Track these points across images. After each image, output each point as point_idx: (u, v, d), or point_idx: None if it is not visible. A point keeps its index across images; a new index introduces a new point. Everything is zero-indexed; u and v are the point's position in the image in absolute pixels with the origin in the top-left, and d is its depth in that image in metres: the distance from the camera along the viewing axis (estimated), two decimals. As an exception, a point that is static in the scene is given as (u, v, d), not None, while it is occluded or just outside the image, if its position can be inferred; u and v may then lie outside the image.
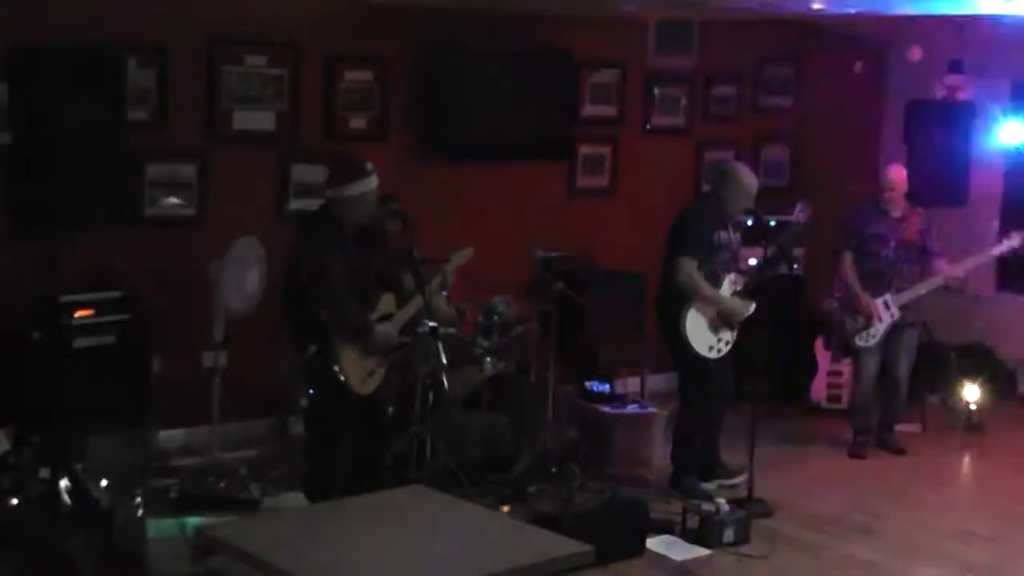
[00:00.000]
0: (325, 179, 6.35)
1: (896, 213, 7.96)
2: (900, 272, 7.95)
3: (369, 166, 6.09)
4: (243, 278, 7.20)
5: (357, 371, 6.06)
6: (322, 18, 7.87)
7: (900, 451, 8.14)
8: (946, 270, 7.94)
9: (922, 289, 8.01)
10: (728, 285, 7.08)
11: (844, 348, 8.54)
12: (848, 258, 7.99)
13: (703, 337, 7.04)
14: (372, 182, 6.09)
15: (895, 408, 8.20)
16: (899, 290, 7.93)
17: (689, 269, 6.94)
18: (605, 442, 7.62)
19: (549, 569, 4.54)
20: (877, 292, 7.92)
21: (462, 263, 6.80)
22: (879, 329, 7.95)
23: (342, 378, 5.99)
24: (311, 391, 6.12)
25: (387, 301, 6.27)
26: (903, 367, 8.09)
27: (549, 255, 7.50)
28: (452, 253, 6.79)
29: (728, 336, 7.13)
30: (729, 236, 7.11)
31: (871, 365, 8.08)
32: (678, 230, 7.09)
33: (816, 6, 7.86)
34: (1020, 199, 9.72)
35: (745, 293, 7.09)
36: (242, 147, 7.70)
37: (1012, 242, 7.97)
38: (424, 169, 8.20)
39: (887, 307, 7.91)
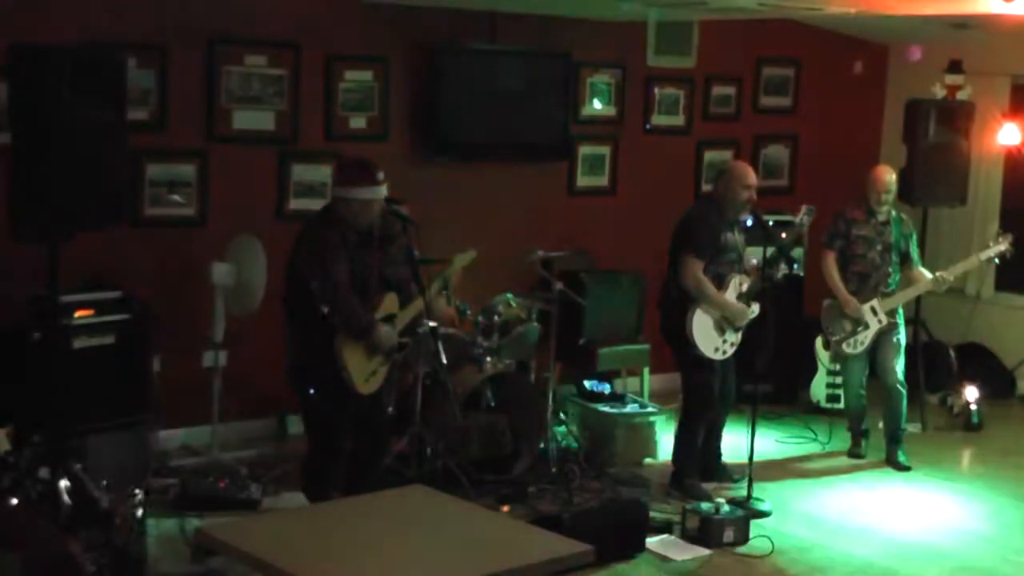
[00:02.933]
0: (334, 177, 6.35)
1: (882, 216, 7.86)
2: (885, 276, 7.83)
3: (380, 175, 6.09)
4: (247, 279, 7.19)
5: (360, 371, 6.07)
6: (322, 18, 7.87)
7: (905, 469, 7.87)
8: (935, 274, 7.86)
9: (909, 295, 7.97)
10: (734, 287, 7.08)
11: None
12: (831, 259, 7.87)
13: (709, 338, 7.04)
14: (380, 191, 6.09)
15: (898, 419, 7.94)
16: (884, 295, 7.84)
17: (694, 270, 6.95)
18: (605, 442, 7.63)
19: (549, 569, 4.55)
20: (864, 297, 7.80)
21: (467, 264, 6.79)
22: (867, 336, 7.85)
23: (345, 377, 5.99)
24: (312, 390, 6.13)
25: (390, 302, 6.27)
26: (898, 371, 7.88)
27: (549, 255, 7.50)
28: (454, 256, 6.78)
29: (733, 338, 7.13)
30: (735, 237, 7.12)
31: (858, 370, 7.98)
32: (683, 231, 7.09)
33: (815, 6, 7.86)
34: (1020, 199, 9.73)
35: (748, 294, 7.09)
36: (242, 147, 7.70)
37: (1000, 246, 7.91)
38: (424, 169, 8.19)
39: (874, 313, 7.82)
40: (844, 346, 7.90)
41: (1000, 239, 7.93)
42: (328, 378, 6.03)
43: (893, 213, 7.88)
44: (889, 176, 7.87)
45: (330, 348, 5.96)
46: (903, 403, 7.95)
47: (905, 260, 7.90)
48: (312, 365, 6.09)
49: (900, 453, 7.93)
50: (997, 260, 8.03)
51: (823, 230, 8.01)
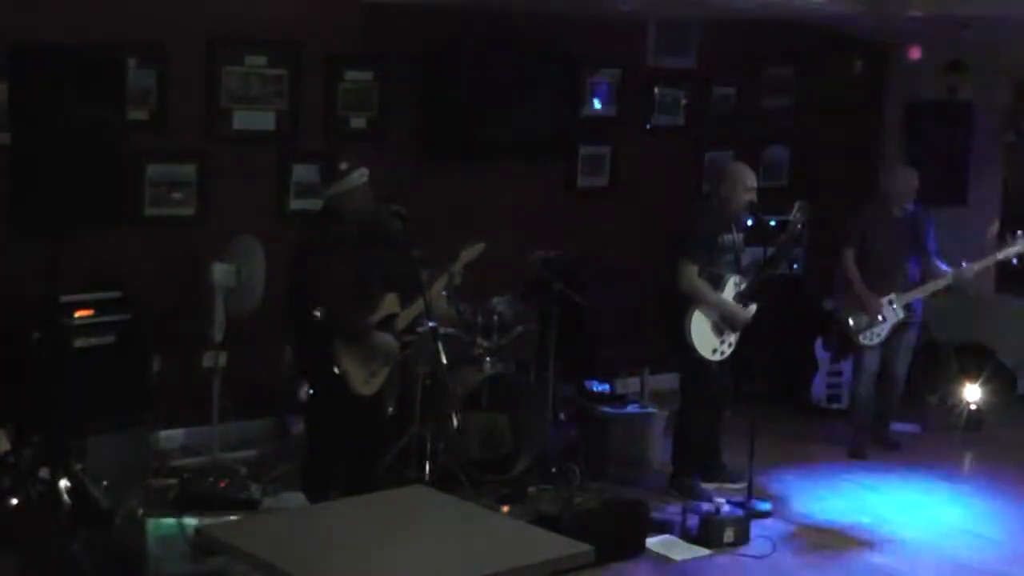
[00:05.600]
0: (325, 181, 6.37)
1: (898, 212, 7.97)
2: (904, 271, 7.97)
3: (344, 165, 6.09)
4: (247, 279, 7.19)
5: (360, 371, 6.06)
6: (322, 18, 7.87)
7: (895, 446, 8.21)
8: (952, 271, 7.95)
9: (928, 289, 8.04)
10: (731, 287, 7.07)
11: (843, 349, 8.55)
12: (850, 256, 8.00)
13: (707, 340, 7.04)
14: (351, 182, 6.07)
15: (891, 405, 8.25)
16: (903, 289, 7.95)
17: (690, 274, 6.94)
18: (605, 442, 7.62)
19: (549, 569, 4.54)
20: (882, 291, 7.92)
21: (473, 258, 6.77)
22: (884, 328, 7.95)
23: (344, 377, 5.99)
24: (312, 390, 6.13)
25: (390, 302, 6.26)
26: (902, 366, 8.14)
27: (549, 255, 7.49)
28: (461, 250, 6.76)
29: (731, 339, 7.13)
30: (733, 238, 7.12)
31: (872, 363, 8.10)
32: (680, 233, 7.09)
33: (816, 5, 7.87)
34: (1020, 199, 9.73)
35: (746, 295, 7.09)
36: (242, 147, 7.69)
37: (1018, 246, 7.98)
38: (424, 169, 8.19)
39: (891, 305, 7.92)
40: (861, 337, 7.99)
41: (1020, 238, 7.99)
42: (327, 379, 6.02)
43: (909, 207, 7.95)
44: (914, 178, 7.98)
45: (329, 349, 5.96)
46: (898, 394, 8.24)
47: (923, 253, 8.00)
48: (311, 366, 6.09)
49: (887, 432, 8.25)
50: (1015, 260, 8.10)
51: (826, 230, 8.07)
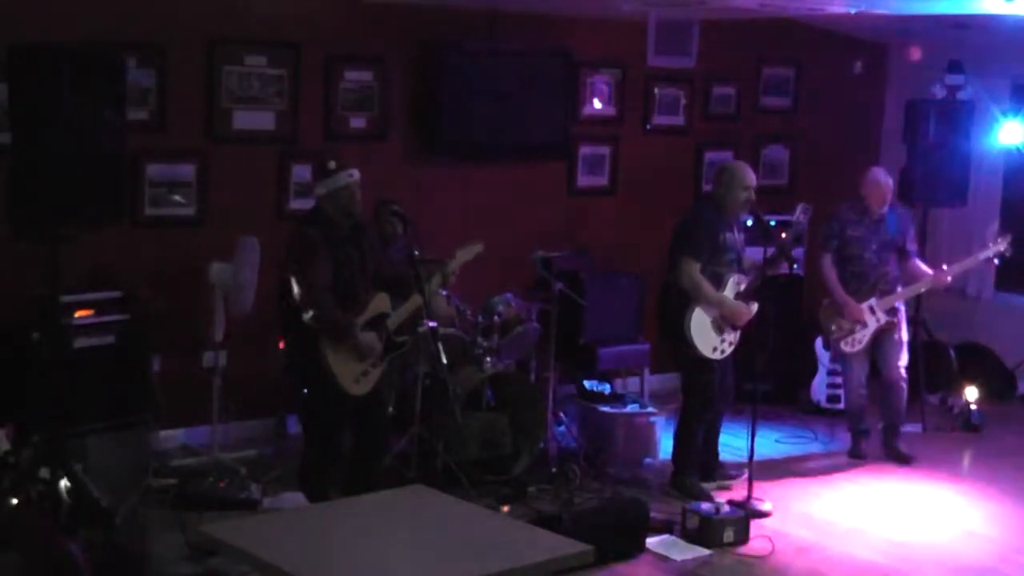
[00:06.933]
0: (315, 178, 6.36)
1: (875, 214, 7.87)
2: (883, 275, 7.84)
3: (332, 164, 6.06)
4: (244, 279, 7.19)
5: (348, 372, 6.04)
6: (322, 18, 7.87)
7: (906, 460, 7.95)
8: (932, 274, 7.89)
9: (908, 293, 7.97)
10: (732, 286, 7.07)
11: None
12: (827, 260, 7.91)
13: (707, 338, 7.04)
14: (337, 181, 6.04)
15: (896, 412, 8.00)
16: (883, 293, 7.84)
17: (691, 271, 6.94)
18: (605, 442, 7.63)
19: (549, 569, 4.54)
20: (862, 296, 7.82)
21: (471, 258, 6.77)
22: (865, 334, 7.87)
23: (332, 378, 5.98)
24: (304, 390, 6.12)
25: (380, 301, 6.23)
26: (897, 368, 7.93)
27: (549, 255, 7.49)
28: (457, 249, 6.76)
29: (731, 337, 7.13)
30: (735, 237, 7.12)
31: (859, 369, 7.98)
32: (681, 232, 7.09)
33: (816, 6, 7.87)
34: (1020, 199, 9.73)
35: (747, 294, 7.09)
36: (242, 147, 7.70)
37: (999, 246, 7.94)
38: (424, 169, 8.20)
39: (872, 312, 7.83)
40: (842, 344, 7.92)
41: (999, 239, 7.96)
42: (318, 378, 6.02)
43: (886, 208, 7.89)
44: (889, 180, 7.90)
45: (316, 349, 5.95)
46: (903, 398, 8.00)
47: (902, 255, 7.93)
48: (302, 365, 6.09)
49: (898, 444, 8.00)
50: (997, 260, 8.07)
51: (820, 231, 8.03)
